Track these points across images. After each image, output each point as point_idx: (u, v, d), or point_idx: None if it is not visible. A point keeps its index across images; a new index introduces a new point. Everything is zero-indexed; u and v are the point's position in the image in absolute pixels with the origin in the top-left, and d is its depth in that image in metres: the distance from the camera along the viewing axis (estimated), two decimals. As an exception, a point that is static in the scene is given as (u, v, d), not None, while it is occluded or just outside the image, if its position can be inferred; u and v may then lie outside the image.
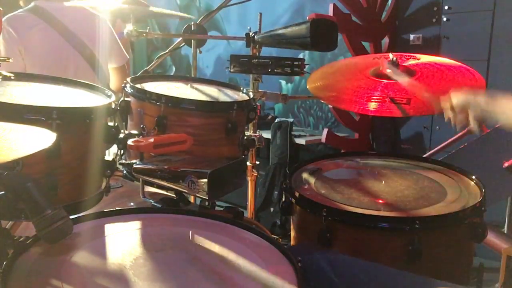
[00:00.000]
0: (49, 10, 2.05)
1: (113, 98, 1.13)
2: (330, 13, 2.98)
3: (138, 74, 2.12)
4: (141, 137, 1.11)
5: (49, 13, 2.04)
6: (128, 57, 2.41)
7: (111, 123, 1.10)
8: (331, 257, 0.97)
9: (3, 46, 2.00)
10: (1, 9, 1.26)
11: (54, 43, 2.05)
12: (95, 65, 2.16)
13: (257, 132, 1.49)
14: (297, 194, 1.22)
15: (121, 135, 1.12)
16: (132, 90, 1.21)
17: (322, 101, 3.44)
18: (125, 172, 1.22)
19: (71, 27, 2.08)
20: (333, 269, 0.92)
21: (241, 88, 1.41)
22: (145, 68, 2.00)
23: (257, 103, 1.36)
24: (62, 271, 0.76)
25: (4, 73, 1.11)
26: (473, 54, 2.97)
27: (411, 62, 1.49)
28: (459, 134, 2.14)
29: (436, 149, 2.18)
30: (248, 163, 1.55)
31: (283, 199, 1.29)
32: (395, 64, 1.41)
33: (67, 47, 2.07)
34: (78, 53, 2.11)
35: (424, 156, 1.79)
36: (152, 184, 1.21)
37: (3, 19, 2.01)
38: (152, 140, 1.03)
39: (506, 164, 1.70)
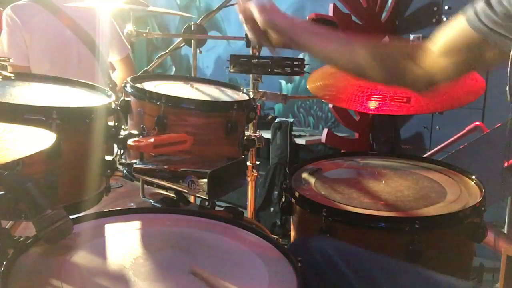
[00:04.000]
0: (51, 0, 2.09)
1: (113, 98, 1.13)
2: (330, 13, 2.98)
3: (138, 74, 2.12)
4: (141, 137, 1.11)
5: (51, 2, 2.08)
6: (129, 48, 2.43)
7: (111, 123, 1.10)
8: (340, 246, 0.96)
9: (7, 34, 2.03)
10: (1, 9, 1.26)
11: (57, 31, 2.08)
12: (97, 53, 2.18)
13: (257, 132, 1.49)
14: (297, 194, 1.22)
15: (121, 135, 1.13)
16: (132, 90, 1.21)
17: (323, 100, 3.44)
18: (125, 172, 1.22)
19: (73, 16, 2.10)
20: (342, 259, 0.92)
21: (241, 88, 1.41)
22: (145, 68, 2.00)
23: (257, 103, 1.36)
24: (62, 271, 0.76)
25: (4, 73, 1.11)
26: (473, 54, 2.97)
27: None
28: (459, 134, 2.15)
29: (436, 149, 2.18)
30: (248, 163, 1.55)
31: (283, 199, 1.29)
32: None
33: (69, 35, 2.10)
34: (81, 41, 2.13)
35: (424, 156, 1.79)
36: (152, 184, 1.21)
37: (8, 8, 2.05)
38: (152, 140, 1.03)
39: (506, 164, 1.70)
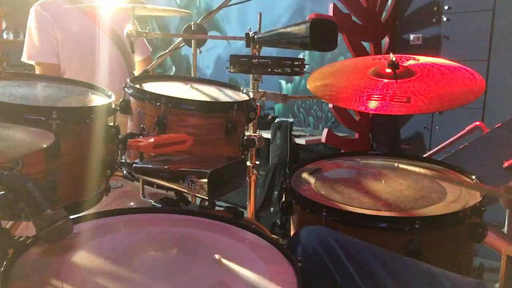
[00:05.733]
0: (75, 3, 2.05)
1: (113, 98, 1.13)
2: (330, 13, 2.99)
3: (138, 74, 2.12)
4: (141, 137, 1.11)
5: (79, 3, 2.04)
6: (150, 49, 2.43)
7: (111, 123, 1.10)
8: (341, 238, 0.96)
9: (38, 30, 1.98)
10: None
11: (88, 29, 2.05)
12: (124, 51, 2.16)
13: (257, 132, 1.49)
14: (297, 194, 1.22)
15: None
16: (132, 90, 1.21)
17: (323, 100, 3.44)
18: (125, 172, 1.22)
19: (102, 14, 2.07)
20: (343, 250, 0.92)
21: (241, 88, 1.41)
22: (145, 68, 2.00)
23: (257, 103, 1.36)
24: (62, 271, 0.76)
25: (4, 73, 1.11)
26: (473, 54, 2.97)
27: (411, 62, 1.50)
28: (459, 134, 2.15)
29: (436, 149, 2.18)
30: (248, 163, 1.55)
31: (283, 199, 1.29)
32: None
33: (99, 34, 2.06)
34: (110, 40, 2.11)
35: (424, 156, 1.79)
36: (152, 184, 1.21)
37: (37, 5, 2.00)
38: (152, 140, 1.03)
39: (506, 164, 1.70)
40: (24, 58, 2.03)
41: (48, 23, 1.97)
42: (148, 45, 2.41)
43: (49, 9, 1.98)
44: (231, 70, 1.44)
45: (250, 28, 1.53)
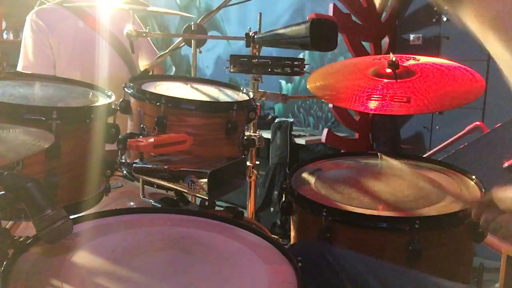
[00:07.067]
0: (76, 1, 1.96)
1: (113, 98, 1.13)
2: (330, 13, 2.99)
3: (138, 74, 2.11)
4: (141, 137, 1.11)
5: (78, 6, 1.95)
6: (158, 52, 2.29)
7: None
8: (333, 251, 0.96)
9: (33, 41, 1.90)
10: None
11: (86, 37, 1.96)
12: (127, 59, 2.07)
13: (257, 132, 1.49)
14: (297, 194, 1.22)
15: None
16: (132, 90, 1.21)
17: (323, 100, 3.44)
18: (125, 172, 1.22)
19: (101, 20, 1.98)
20: (334, 263, 0.92)
21: (241, 88, 1.41)
22: (145, 68, 1.99)
23: (257, 103, 1.36)
24: (62, 271, 0.76)
25: (4, 73, 1.11)
26: (473, 54, 2.96)
27: (411, 62, 1.50)
28: (459, 134, 2.15)
29: (436, 149, 2.18)
30: (248, 163, 1.55)
31: (283, 199, 1.29)
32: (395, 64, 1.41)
33: (99, 41, 1.97)
34: (111, 46, 2.01)
35: (424, 156, 1.79)
36: (152, 184, 1.21)
37: (32, 13, 1.91)
38: (152, 140, 1.03)
39: (506, 164, 1.71)
40: (19, 69, 1.95)
41: (43, 34, 1.89)
42: (156, 49, 2.30)
43: (44, 18, 1.90)
44: (231, 70, 1.44)
45: (250, 28, 1.53)
